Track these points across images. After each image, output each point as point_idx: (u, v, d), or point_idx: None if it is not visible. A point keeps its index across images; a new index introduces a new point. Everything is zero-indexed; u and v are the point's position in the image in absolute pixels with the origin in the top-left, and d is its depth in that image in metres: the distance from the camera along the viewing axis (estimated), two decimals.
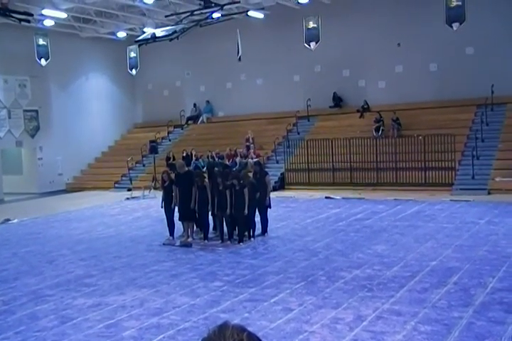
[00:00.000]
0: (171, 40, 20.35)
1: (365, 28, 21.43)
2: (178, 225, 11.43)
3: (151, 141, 23.12)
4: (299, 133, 21.98)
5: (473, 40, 19.51)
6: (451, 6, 16.66)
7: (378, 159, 18.58)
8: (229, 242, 10.72)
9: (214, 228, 11.57)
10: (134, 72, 23.71)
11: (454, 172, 17.20)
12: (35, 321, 6.61)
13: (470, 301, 6.54)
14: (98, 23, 23.50)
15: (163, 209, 11.54)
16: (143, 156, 24.09)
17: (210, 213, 11.14)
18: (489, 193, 15.91)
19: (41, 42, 20.84)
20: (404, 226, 11.68)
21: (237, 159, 20.49)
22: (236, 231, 10.89)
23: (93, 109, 25.73)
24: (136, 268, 9.11)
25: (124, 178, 23.21)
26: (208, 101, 25.83)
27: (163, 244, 10.96)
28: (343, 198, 16.50)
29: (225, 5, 18.64)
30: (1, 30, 20.70)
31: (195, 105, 26.08)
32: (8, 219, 15.33)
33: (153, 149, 22.32)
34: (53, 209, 17.26)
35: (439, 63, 20.60)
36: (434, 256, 8.82)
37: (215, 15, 19.95)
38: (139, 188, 20.02)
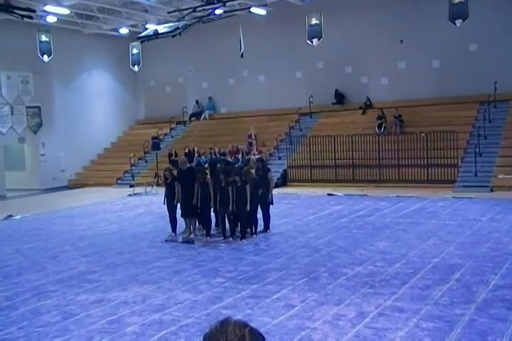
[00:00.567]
0: (173, 36, 20.36)
1: (367, 25, 21.38)
2: (181, 221, 11.45)
3: (154, 138, 23.14)
4: (301, 130, 21.96)
5: (476, 36, 19.45)
6: (454, 2, 16.59)
7: (381, 156, 18.56)
8: (231, 239, 10.73)
9: (216, 224, 11.57)
10: (136, 68, 23.68)
11: (456, 169, 17.18)
12: (37, 316, 6.63)
13: (472, 298, 6.53)
14: (101, 20, 23.47)
15: (165, 206, 11.56)
16: (145, 153, 24.10)
17: (212, 209, 11.15)
18: (492, 190, 15.88)
19: (44, 38, 20.82)
20: (407, 223, 11.68)
21: (239, 156, 20.48)
22: (238, 228, 10.90)
23: (95, 105, 25.75)
24: (139, 264, 9.13)
25: (126, 175, 23.23)
26: (210, 98, 25.81)
27: (166, 241, 10.97)
28: (346, 195, 16.49)
29: (227, 1, 18.63)
30: (3, 26, 20.70)
31: (197, 102, 26.07)
32: (11, 215, 15.36)
33: (156, 145, 22.34)
34: (56, 206, 17.28)
35: (442, 60, 20.54)
36: (436, 253, 8.82)
37: (218, 11, 19.95)
38: (141, 184, 20.02)
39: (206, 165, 16.58)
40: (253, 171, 11.55)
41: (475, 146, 17.01)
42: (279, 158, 20.84)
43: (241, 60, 21.47)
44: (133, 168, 23.17)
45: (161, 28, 20.52)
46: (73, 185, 23.58)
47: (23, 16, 17.97)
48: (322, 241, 10.16)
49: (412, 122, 19.64)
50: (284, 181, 19.81)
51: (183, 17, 20.39)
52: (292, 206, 14.92)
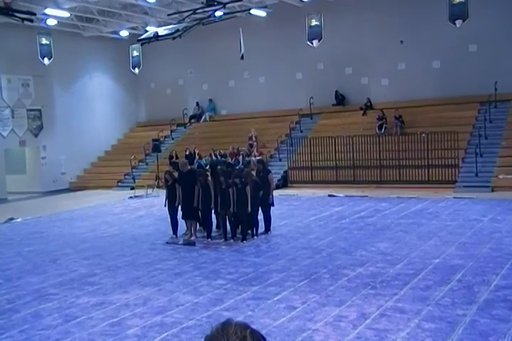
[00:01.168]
0: (173, 38, 20.34)
1: (367, 26, 21.39)
2: (182, 224, 11.45)
3: (154, 140, 23.15)
4: (301, 131, 21.96)
5: (476, 37, 19.44)
6: (454, 3, 16.60)
7: (381, 157, 18.55)
8: (232, 240, 10.72)
9: (217, 226, 11.58)
10: (136, 71, 23.69)
11: (457, 170, 17.17)
12: (39, 319, 6.63)
13: (474, 299, 6.53)
14: (101, 22, 23.49)
15: (166, 208, 11.57)
16: (146, 155, 24.11)
17: (213, 211, 11.15)
18: (493, 190, 15.87)
19: (44, 41, 20.85)
20: (408, 223, 11.67)
21: (240, 157, 20.47)
22: (239, 230, 10.90)
23: (96, 108, 25.77)
24: (140, 266, 9.13)
25: (127, 177, 23.23)
26: (210, 100, 25.83)
27: (167, 243, 10.97)
28: (346, 196, 16.48)
29: (227, 3, 18.62)
30: (4, 29, 20.73)
31: (197, 104, 26.08)
32: (12, 218, 15.37)
33: (156, 148, 22.34)
34: (56, 208, 17.29)
35: (442, 60, 20.54)
36: (437, 254, 8.81)
37: (218, 13, 19.94)
38: (142, 187, 20.03)
39: (207, 167, 16.57)
40: (254, 173, 11.55)
41: (476, 147, 17.00)
42: (280, 160, 20.84)
43: (241, 62, 21.47)
44: (134, 170, 23.16)
45: (161, 31, 20.52)
46: (74, 188, 23.59)
47: (23, 19, 17.98)
48: (323, 243, 10.16)
49: (412, 123, 19.64)
50: (284, 182, 19.82)
51: (183, 19, 20.38)
52: (293, 207, 14.91)
